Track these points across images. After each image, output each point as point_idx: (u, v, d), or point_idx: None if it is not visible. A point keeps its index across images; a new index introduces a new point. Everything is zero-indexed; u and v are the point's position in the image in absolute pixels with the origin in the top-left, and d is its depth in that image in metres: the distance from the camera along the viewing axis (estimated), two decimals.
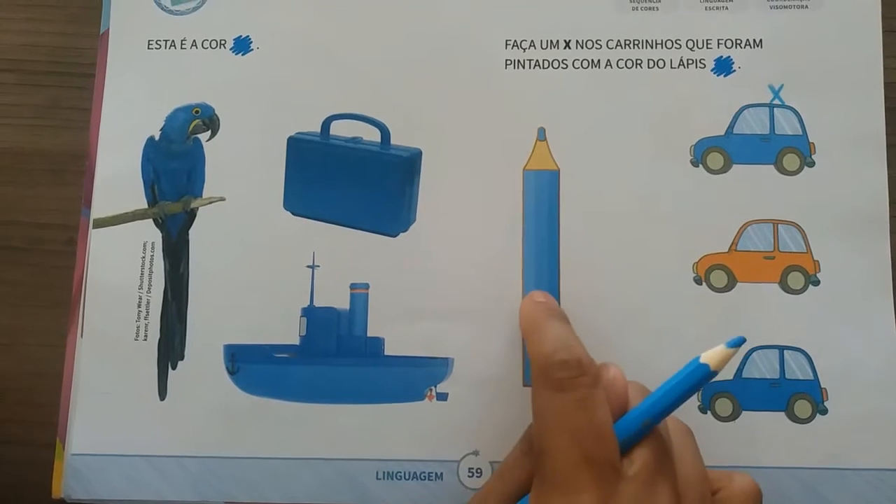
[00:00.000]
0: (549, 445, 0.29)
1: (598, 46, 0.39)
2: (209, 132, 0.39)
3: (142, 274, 0.38)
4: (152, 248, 0.39)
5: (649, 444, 0.29)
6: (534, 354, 0.31)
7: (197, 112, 0.39)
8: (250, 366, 0.37)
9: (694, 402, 0.37)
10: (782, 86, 0.39)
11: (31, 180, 0.40)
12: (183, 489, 0.37)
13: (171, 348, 0.38)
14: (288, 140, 0.39)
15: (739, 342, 0.29)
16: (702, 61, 0.39)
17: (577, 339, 0.32)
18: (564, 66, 0.39)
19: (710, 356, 0.30)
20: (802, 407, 0.37)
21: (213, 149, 0.39)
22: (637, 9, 0.40)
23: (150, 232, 0.39)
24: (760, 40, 0.39)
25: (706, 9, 0.40)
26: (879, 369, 0.36)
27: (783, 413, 0.37)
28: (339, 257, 0.38)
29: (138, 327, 0.38)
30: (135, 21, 0.40)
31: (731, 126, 0.39)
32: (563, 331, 0.32)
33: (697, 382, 0.30)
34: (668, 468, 0.29)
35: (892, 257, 0.37)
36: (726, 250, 0.38)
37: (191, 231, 0.39)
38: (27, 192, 0.40)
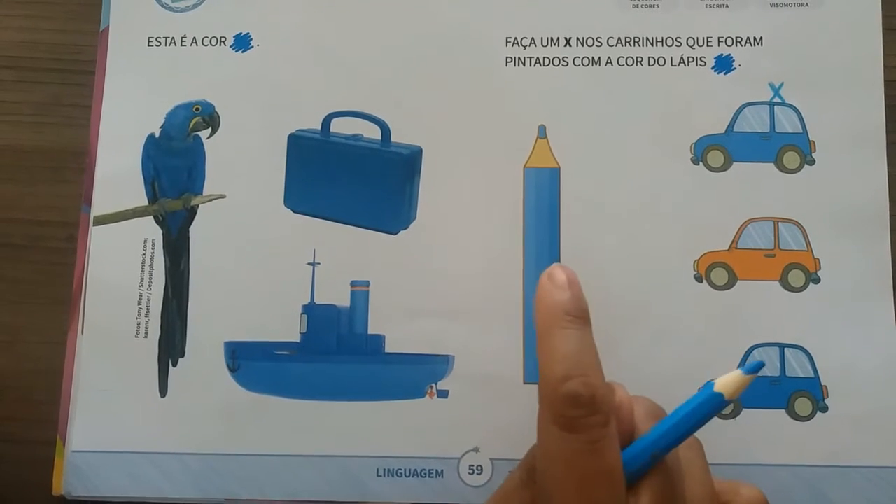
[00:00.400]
0: (555, 489, 0.27)
1: (599, 44, 0.39)
2: (209, 129, 0.39)
3: (142, 271, 0.38)
4: (153, 245, 0.39)
5: (656, 477, 0.28)
6: (543, 371, 0.28)
7: (197, 109, 0.39)
8: (251, 363, 0.37)
9: None
10: (782, 84, 0.39)
11: (32, 177, 0.40)
12: (184, 486, 0.37)
13: (171, 345, 0.38)
14: (288, 137, 0.39)
15: (757, 368, 0.27)
16: (702, 59, 0.39)
17: (592, 355, 0.29)
18: (565, 64, 0.39)
19: (724, 384, 0.27)
20: (803, 405, 0.37)
21: (214, 146, 0.39)
22: (637, 6, 0.40)
23: (150, 229, 0.39)
24: (761, 38, 0.39)
25: (706, 6, 0.40)
26: (880, 367, 0.36)
27: (784, 411, 0.37)
28: (340, 255, 0.38)
29: (139, 324, 0.38)
30: (135, 18, 0.40)
31: (732, 124, 0.39)
32: (578, 347, 0.29)
33: (711, 412, 0.28)
34: (675, 500, 0.28)
35: (892, 255, 0.37)
36: (727, 248, 0.38)
37: (191, 228, 0.39)
38: (27, 189, 0.40)
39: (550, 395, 0.28)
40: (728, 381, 0.27)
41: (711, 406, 0.28)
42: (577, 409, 0.27)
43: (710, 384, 0.28)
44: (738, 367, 0.36)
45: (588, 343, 0.29)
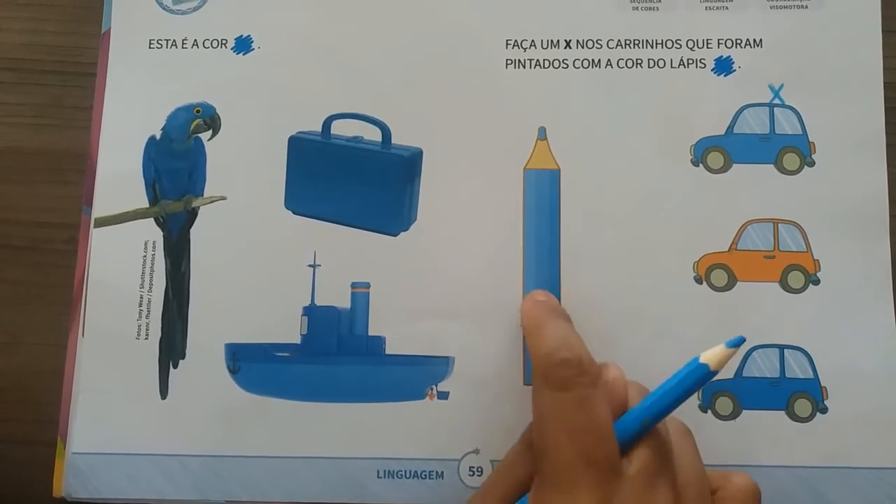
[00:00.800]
0: (549, 445, 0.29)
1: (599, 46, 0.40)
2: (210, 131, 0.39)
3: (143, 273, 0.38)
4: (153, 246, 0.39)
5: (649, 443, 0.29)
6: (535, 353, 0.31)
7: (198, 111, 0.39)
8: (251, 364, 0.37)
9: (694, 400, 0.37)
10: (782, 85, 0.39)
11: (33, 179, 0.40)
12: (184, 488, 0.37)
13: (172, 347, 0.38)
14: (289, 139, 0.39)
15: (739, 342, 0.29)
16: (702, 61, 0.39)
17: (578, 337, 0.32)
18: (565, 66, 0.39)
19: (709, 356, 0.30)
20: (802, 406, 0.37)
21: (215, 148, 0.39)
22: (637, 8, 0.40)
23: (151, 231, 0.39)
24: (760, 40, 0.39)
25: (706, 9, 0.40)
26: (879, 368, 0.37)
27: (783, 412, 0.37)
28: (340, 256, 0.38)
29: (139, 326, 0.38)
30: (136, 20, 0.40)
31: (732, 126, 0.39)
32: (564, 329, 0.32)
33: (697, 382, 0.30)
34: (667, 468, 0.29)
35: (891, 256, 0.37)
36: (726, 249, 0.38)
37: (192, 230, 0.39)
38: (28, 190, 0.40)
39: (542, 365, 0.31)
40: (713, 353, 0.30)
41: (697, 376, 0.30)
42: (566, 371, 0.30)
43: (696, 357, 0.30)
44: (737, 369, 0.36)
45: (573, 330, 0.32)
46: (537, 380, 0.31)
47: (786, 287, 0.37)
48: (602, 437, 0.29)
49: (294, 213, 0.39)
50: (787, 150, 0.38)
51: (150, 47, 0.40)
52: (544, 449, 0.29)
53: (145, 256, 0.38)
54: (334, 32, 0.40)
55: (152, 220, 0.39)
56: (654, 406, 0.30)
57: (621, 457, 0.29)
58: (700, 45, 0.39)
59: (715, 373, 0.29)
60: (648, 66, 0.39)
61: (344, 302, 0.38)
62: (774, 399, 0.37)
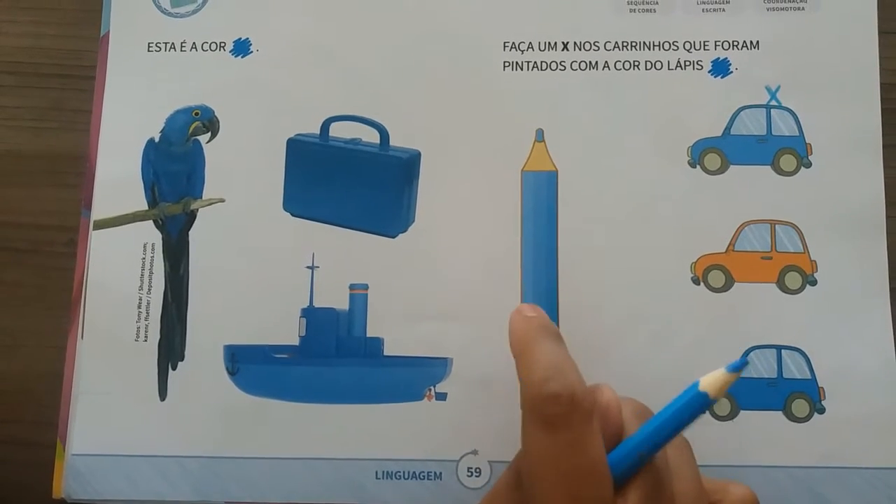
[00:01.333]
0: (540, 488, 0.27)
1: (596, 48, 0.40)
2: (209, 134, 0.39)
3: (142, 275, 0.38)
4: (152, 249, 0.39)
5: (644, 478, 0.28)
6: (524, 380, 0.29)
7: (197, 114, 0.40)
8: (250, 366, 0.38)
9: None
10: (779, 87, 0.39)
11: (32, 182, 0.40)
12: (183, 489, 0.37)
13: (171, 349, 0.38)
14: (287, 142, 0.39)
15: (740, 366, 0.27)
16: (699, 63, 0.39)
17: (570, 361, 0.29)
18: (562, 68, 0.40)
19: (709, 383, 0.28)
20: (800, 406, 0.37)
21: (213, 150, 0.39)
22: (634, 11, 0.40)
23: (150, 233, 0.39)
24: (757, 42, 0.39)
25: (703, 11, 0.40)
26: (876, 368, 0.37)
27: (781, 412, 0.37)
28: (339, 258, 0.38)
29: (138, 328, 0.38)
30: (135, 23, 0.41)
31: (729, 127, 0.39)
32: (555, 354, 0.30)
33: (696, 412, 0.28)
34: (663, 500, 0.28)
35: (888, 257, 0.37)
36: (724, 251, 0.38)
37: (191, 232, 0.39)
38: (28, 193, 0.40)
39: (532, 398, 0.28)
40: (712, 379, 0.28)
41: (697, 405, 0.28)
42: (557, 407, 0.27)
43: (695, 384, 0.28)
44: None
45: (564, 353, 0.30)
46: (526, 413, 0.29)
47: (783, 288, 0.38)
48: (596, 480, 0.27)
49: (292, 215, 0.39)
50: (784, 151, 0.39)
51: (148, 50, 0.40)
52: (534, 493, 0.28)
53: (144, 258, 0.39)
54: (333, 35, 0.40)
55: (151, 222, 0.39)
56: (651, 439, 0.28)
57: (616, 493, 0.27)
58: (697, 47, 0.39)
59: (715, 401, 0.28)
60: (645, 69, 0.39)
61: (342, 303, 0.38)
62: (772, 399, 0.37)
